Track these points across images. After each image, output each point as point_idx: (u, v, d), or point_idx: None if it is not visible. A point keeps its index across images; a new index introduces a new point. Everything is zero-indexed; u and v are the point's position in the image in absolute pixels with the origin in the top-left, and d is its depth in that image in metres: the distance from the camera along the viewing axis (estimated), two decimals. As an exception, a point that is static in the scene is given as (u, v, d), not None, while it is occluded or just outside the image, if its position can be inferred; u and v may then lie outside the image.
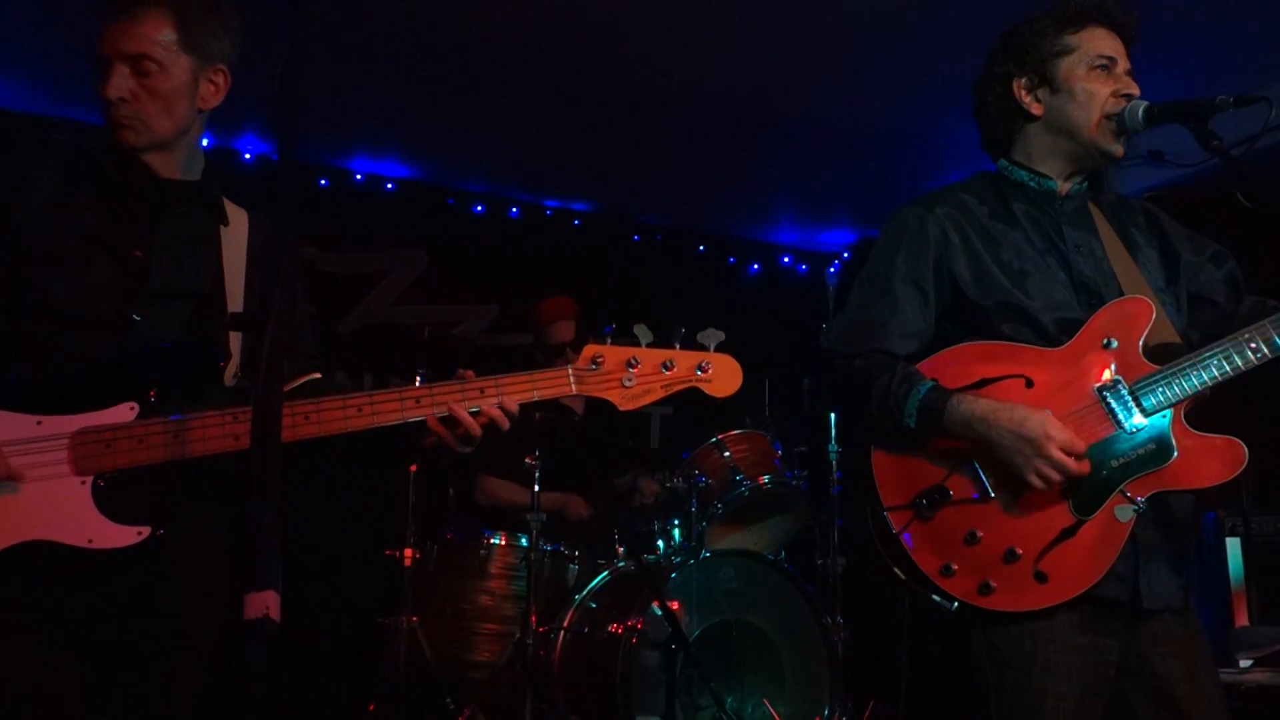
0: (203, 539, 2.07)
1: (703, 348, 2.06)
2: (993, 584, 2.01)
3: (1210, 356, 2.06)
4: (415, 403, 2.03)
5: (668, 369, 2.04)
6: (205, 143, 2.27)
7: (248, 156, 5.90)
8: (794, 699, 4.25)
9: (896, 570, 2.07)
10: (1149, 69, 2.28)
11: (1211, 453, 2.05)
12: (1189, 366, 2.06)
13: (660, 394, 2.04)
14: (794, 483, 4.68)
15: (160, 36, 2.08)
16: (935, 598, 2.04)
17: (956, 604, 2.02)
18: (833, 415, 4.78)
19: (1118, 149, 2.24)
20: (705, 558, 4.26)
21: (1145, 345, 2.10)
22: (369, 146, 6.08)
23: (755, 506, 4.82)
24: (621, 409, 2.02)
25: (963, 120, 2.44)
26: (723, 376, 2.06)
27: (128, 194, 2.13)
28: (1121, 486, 2.02)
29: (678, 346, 2.06)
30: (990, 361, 2.13)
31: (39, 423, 1.91)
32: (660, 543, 4.69)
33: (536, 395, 2.04)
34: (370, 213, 6.26)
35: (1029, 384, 2.09)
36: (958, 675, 2.11)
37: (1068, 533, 2.01)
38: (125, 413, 1.94)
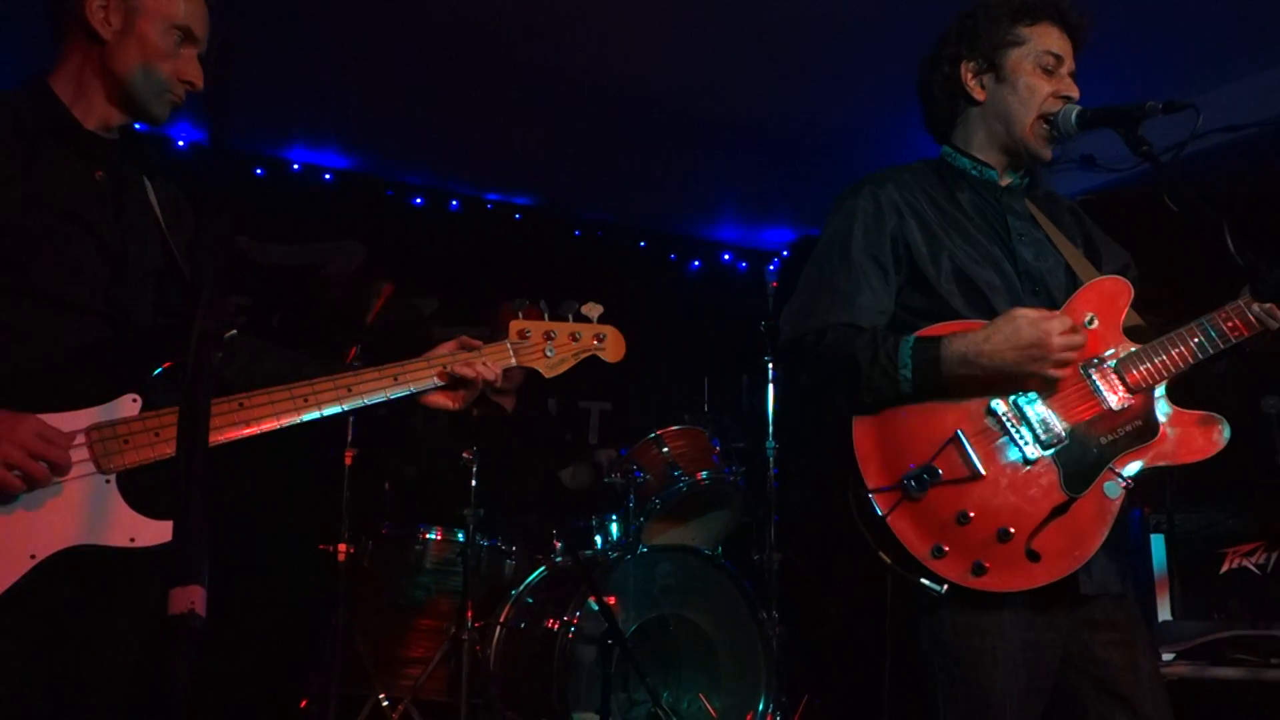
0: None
1: (587, 319, 2.42)
2: (986, 564, 1.98)
3: (1190, 333, 2.10)
4: (348, 391, 2.08)
5: (576, 340, 2.40)
6: (137, 127, 2.27)
7: (181, 144, 5.78)
8: (729, 693, 4.27)
9: (881, 554, 2.02)
10: (1081, 72, 2.32)
11: (1195, 428, 2.08)
12: (1170, 343, 2.09)
13: (571, 362, 2.39)
14: (732, 479, 4.69)
15: None
16: (923, 581, 1.99)
17: (946, 586, 1.98)
18: (770, 412, 4.80)
19: (1047, 153, 2.27)
20: (642, 553, 4.27)
21: (1124, 325, 2.12)
22: (307, 136, 5.98)
23: (693, 502, 4.83)
24: (546, 376, 2.35)
25: (905, 120, 2.46)
26: (614, 345, 2.45)
27: (78, 149, 2.04)
28: (1110, 463, 2.03)
29: (570, 319, 2.41)
30: None
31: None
32: (597, 538, 4.70)
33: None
34: (308, 204, 6.16)
35: None
36: (901, 671, 2.08)
37: (1059, 510, 2.00)
38: (130, 405, 1.85)
